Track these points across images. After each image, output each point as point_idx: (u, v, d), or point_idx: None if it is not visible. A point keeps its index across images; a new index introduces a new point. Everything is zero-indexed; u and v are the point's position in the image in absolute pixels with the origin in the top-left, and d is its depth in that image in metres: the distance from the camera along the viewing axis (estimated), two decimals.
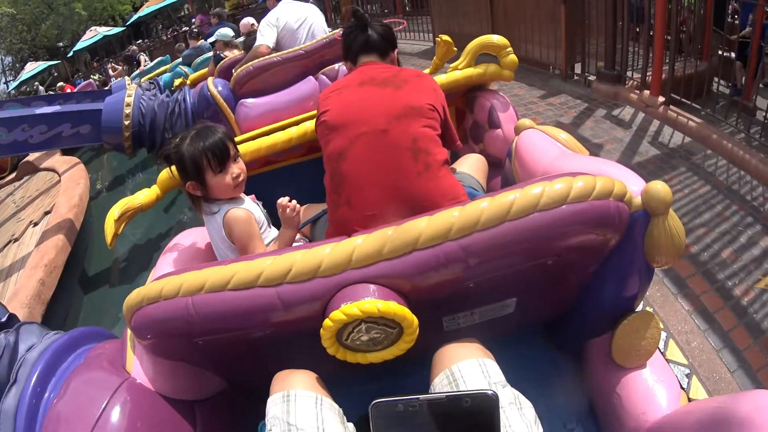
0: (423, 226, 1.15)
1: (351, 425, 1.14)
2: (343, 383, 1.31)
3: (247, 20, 5.93)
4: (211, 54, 6.38)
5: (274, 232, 1.89)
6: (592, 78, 5.73)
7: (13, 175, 9.45)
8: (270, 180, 2.30)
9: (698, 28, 5.28)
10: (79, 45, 21.00)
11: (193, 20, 14.78)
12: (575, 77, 6.05)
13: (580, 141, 1.75)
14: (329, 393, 1.17)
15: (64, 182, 6.92)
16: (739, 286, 2.79)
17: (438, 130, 1.70)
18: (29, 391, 1.22)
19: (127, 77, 7.86)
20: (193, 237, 1.99)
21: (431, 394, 0.80)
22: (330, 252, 1.17)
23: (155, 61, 11.30)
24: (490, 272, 1.20)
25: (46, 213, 5.93)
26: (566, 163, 1.49)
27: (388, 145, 1.61)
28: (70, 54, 23.61)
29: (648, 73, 5.03)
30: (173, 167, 1.73)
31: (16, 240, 5.63)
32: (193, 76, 6.49)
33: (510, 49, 2.27)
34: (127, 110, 4.24)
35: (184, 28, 17.42)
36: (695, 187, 3.70)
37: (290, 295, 1.16)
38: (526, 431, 0.97)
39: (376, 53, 1.92)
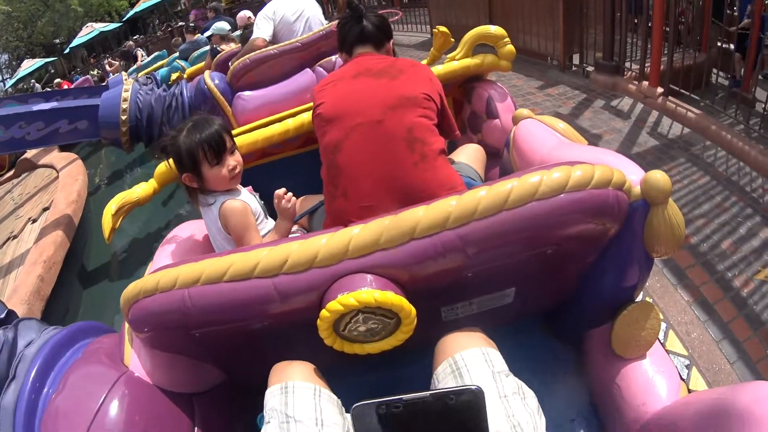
0: (420, 215, 1.15)
1: (349, 416, 1.13)
2: (342, 374, 1.31)
3: (244, 13, 5.92)
4: (207, 48, 6.38)
5: (270, 223, 1.89)
6: (590, 69, 5.72)
7: (12, 172, 9.45)
8: (267, 172, 2.29)
9: (697, 19, 5.25)
10: (76, 41, 20.91)
11: (189, 15, 14.71)
12: (573, 68, 6.04)
13: (579, 132, 1.74)
14: (328, 384, 1.16)
15: (62, 178, 6.91)
16: (739, 277, 2.79)
17: (434, 120, 1.69)
18: (28, 387, 1.21)
19: (124, 72, 7.85)
20: (190, 229, 1.99)
21: (414, 393, 0.77)
22: (326, 242, 1.16)
23: (152, 56, 11.28)
24: (489, 262, 1.19)
25: (45, 209, 5.93)
26: (565, 153, 1.48)
27: (383, 136, 1.60)
28: (67, 51, 23.52)
29: (646, 64, 5.01)
30: (170, 159, 1.72)
31: (14, 237, 5.63)
32: (190, 70, 6.49)
33: (507, 39, 2.26)
34: (124, 105, 4.23)
35: (179, 23, 17.33)
36: (694, 178, 3.69)
37: (287, 285, 1.15)
38: (529, 420, 0.96)
39: (371, 44, 1.91)
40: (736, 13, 5.51)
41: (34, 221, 5.76)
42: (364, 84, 1.72)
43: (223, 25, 6.18)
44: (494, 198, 1.13)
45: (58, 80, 16.61)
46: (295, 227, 1.97)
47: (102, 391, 1.18)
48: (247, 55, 3.48)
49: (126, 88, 4.31)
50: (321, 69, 3.40)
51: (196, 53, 7.08)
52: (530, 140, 1.72)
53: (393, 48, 2.02)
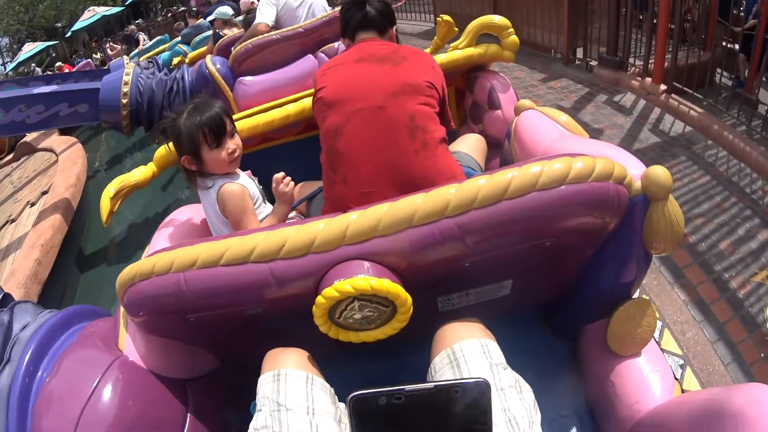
0: (419, 202, 1.14)
1: (343, 405, 1.13)
2: (337, 363, 1.30)
3: None
4: (210, 33, 6.35)
5: (268, 207, 1.89)
6: (593, 63, 5.70)
7: (11, 155, 9.42)
8: (267, 157, 2.28)
9: (703, 18, 5.23)
10: (78, 25, 20.80)
11: (191, 1, 14.67)
12: (577, 62, 6.02)
13: (581, 125, 1.73)
14: (321, 372, 1.16)
15: (62, 162, 6.88)
16: (736, 278, 2.78)
17: (436, 108, 1.69)
18: (22, 370, 1.22)
19: (125, 56, 7.82)
20: (188, 213, 1.98)
21: (417, 384, 0.73)
22: (324, 228, 1.15)
23: (154, 40, 11.23)
24: (487, 252, 1.18)
25: (44, 193, 5.90)
26: (566, 145, 1.47)
27: (384, 122, 1.60)
28: (68, 34, 23.41)
29: (650, 61, 4.99)
30: (170, 143, 1.72)
31: (13, 220, 5.61)
32: (191, 54, 6.45)
33: (511, 29, 2.24)
34: (125, 89, 4.22)
35: (181, 8, 17.27)
36: (695, 176, 3.68)
37: (283, 271, 1.15)
38: (525, 414, 0.96)
39: (374, 30, 1.90)
40: (742, 14, 5.49)
41: (33, 205, 5.74)
42: (366, 69, 1.71)
43: (226, 10, 6.15)
44: (494, 187, 1.12)
45: (59, 64, 16.52)
46: (293, 213, 1.96)
47: (95, 376, 1.18)
48: (250, 40, 3.48)
49: (127, 72, 4.30)
50: (323, 55, 3.40)
51: (198, 38, 7.04)
52: (532, 131, 1.71)
53: (396, 35, 2.01)
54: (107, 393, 1.15)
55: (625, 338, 1.36)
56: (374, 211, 1.16)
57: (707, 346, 2.42)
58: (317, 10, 3.94)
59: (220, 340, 1.44)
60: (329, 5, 4.15)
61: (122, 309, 1.37)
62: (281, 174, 1.74)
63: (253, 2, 5.56)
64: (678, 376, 1.35)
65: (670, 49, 4.79)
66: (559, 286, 1.52)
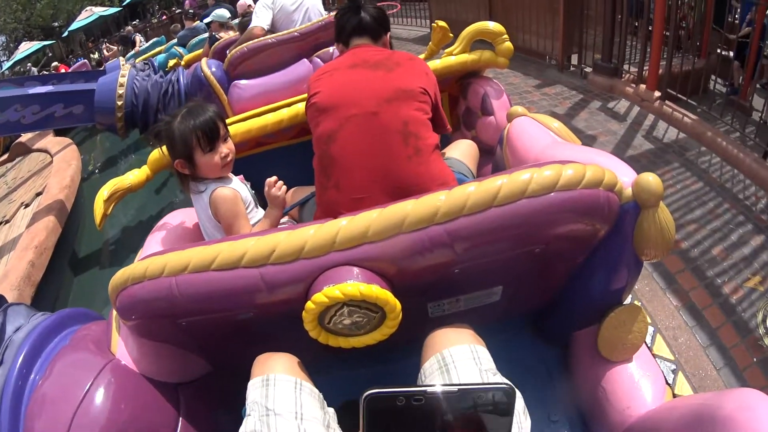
0: (408, 209, 1.14)
1: (331, 410, 1.13)
2: (328, 368, 1.30)
3: (244, 1, 5.89)
4: (206, 35, 6.34)
5: (260, 212, 1.89)
6: (588, 70, 5.72)
7: (6, 156, 9.41)
8: (260, 162, 2.28)
9: (698, 25, 5.25)
10: (75, 25, 20.75)
11: (185, 3, 14.67)
12: (571, 68, 6.04)
13: (574, 132, 1.73)
14: (310, 377, 1.16)
15: (56, 163, 6.87)
16: (728, 284, 2.80)
17: (429, 114, 1.69)
18: (15, 373, 1.21)
19: (121, 57, 7.80)
20: (181, 217, 1.98)
21: (441, 386, 0.68)
22: (314, 233, 1.16)
23: (150, 41, 11.21)
24: (476, 258, 1.19)
25: (38, 194, 5.89)
26: (557, 152, 1.48)
27: (378, 128, 1.60)
28: (65, 34, 23.35)
29: (645, 68, 5.01)
30: (164, 146, 1.72)
31: (7, 222, 5.60)
32: (187, 57, 6.44)
33: (506, 36, 2.25)
34: (120, 90, 4.22)
35: (177, 10, 17.27)
36: (688, 183, 3.70)
37: (273, 276, 1.15)
38: (514, 420, 0.96)
39: (368, 36, 1.91)
40: (737, 21, 5.52)
41: (27, 206, 5.73)
42: (360, 75, 1.71)
43: (223, 12, 6.15)
44: (483, 194, 1.12)
45: (55, 63, 16.50)
46: (285, 218, 1.96)
47: (88, 379, 1.18)
48: (245, 44, 3.48)
49: (123, 74, 4.31)
50: (318, 60, 3.40)
51: (194, 40, 7.03)
52: (523, 138, 1.71)
53: (390, 41, 2.02)
54: (99, 396, 1.15)
55: (616, 344, 1.36)
56: (364, 217, 1.16)
57: (699, 351, 2.43)
58: (313, 14, 3.95)
59: (211, 344, 1.44)
60: (325, 9, 4.16)
61: (115, 312, 1.37)
62: (274, 178, 1.74)
63: (249, 5, 5.58)
64: (670, 381, 1.36)
65: (665, 56, 4.82)
66: (550, 292, 1.52)
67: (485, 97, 2.24)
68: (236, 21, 5.59)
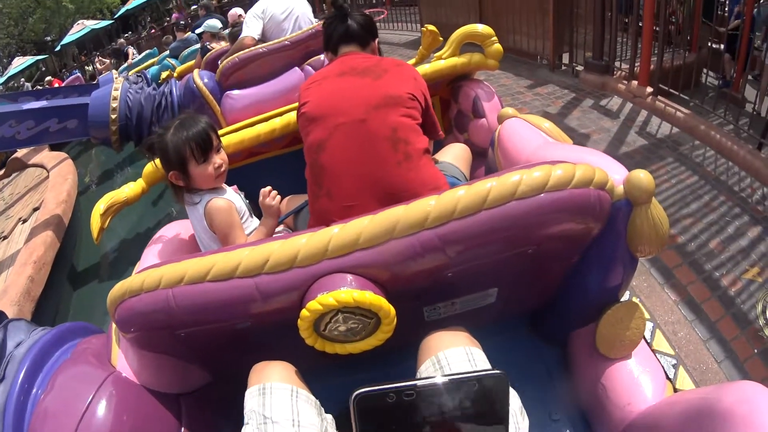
0: (399, 214, 1.15)
1: (329, 416, 1.14)
2: (326, 374, 1.31)
3: (235, 11, 5.90)
4: (198, 46, 6.35)
5: (255, 221, 1.90)
6: (579, 68, 5.73)
7: (2, 171, 9.40)
8: (254, 171, 2.29)
9: (687, 20, 5.28)
10: (67, 39, 20.69)
11: (171, 18, 14.69)
12: (563, 67, 6.06)
13: (567, 131, 1.74)
14: (307, 384, 1.17)
15: (53, 178, 6.88)
16: (727, 276, 2.81)
17: (418, 120, 1.69)
18: (17, 388, 1.22)
19: (114, 70, 7.81)
20: (177, 229, 1.98)
21: (430, 379, 0.67)
22: (306, 242, 1.16)
23: (143, 54, 11.23)
24: (469, 261, 1.19)
25: (35, 209, 5.90)
26: (549, 152, 1.48)
27: (366, 135, 1.60)
28: (58, 48, 23.34)
29: (636, 64, 5.03)
30: (157, 159, 1.73)
31: (5, 237, 5.61)
32: (180, 68, 6.47)
33: (495, 38, 2.26)
34: (114, 104, 4.22)
35: (168, 19, 17.31)
36: (683, 177, 3.70)
37: (268, 285, 1.16)
38: (511, 420, 0.96)
39: (356, 43, 1.91)
40: (726, 14, 5.54)
41: (25, 221, 5.73)
42: (348, 83, 1.72)
43: (214, 23, 6.16)
44: (473, 197, 1.13)
45: (48, 78, 16.53)
46: (280, 227, 1.97)
47: (89, 392, 1.18)
48: (236, 54, 3.49)
49: (116, 87, 4.30)
50: (309, 68, 3.42)
51: (186, 51, 7.05)
52: (514, 140, 1.72)
53: (378, 47, 2.02)
54: (101, 409, 1.16)
55: (614, 341, 1.37)
56: (356, 224, 1.17)
57: (699, 345, 2.43)
58: (303, 22, 3.96)
59: (210, 355, 1.44)
60: (315, 17, 4.17)
61: (114, 325, 1.38)
62: (268, 188, 1.76)
63: (240, 15, 5.58)
64: (671, 376, 1.36)
65: (656, 51, 4.83)
66: (546, 292, 1.53)
67: (476, 100, 2.25)
68: (227, 31, 5.60)
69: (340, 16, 1.91)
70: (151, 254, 1.77)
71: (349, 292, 1.09)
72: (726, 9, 5.58)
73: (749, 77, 4.82)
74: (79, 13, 26.69)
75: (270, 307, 1.18)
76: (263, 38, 3.87)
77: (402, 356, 1.30)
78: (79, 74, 14.95)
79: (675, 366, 1.41)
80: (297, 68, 3.49)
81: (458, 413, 0.68)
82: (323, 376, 1.29)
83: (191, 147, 1.65)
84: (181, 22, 9.12)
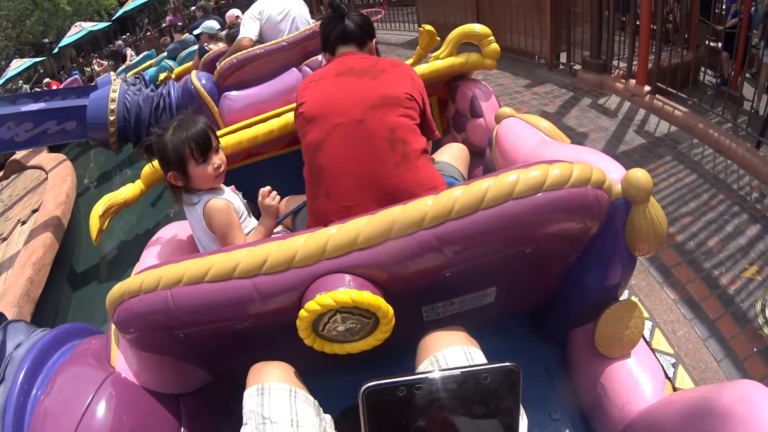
0: (396, 215, 1.15)
1: (328, 417, 1.14)
2: (325, 374, 1.31)
3: (232, 12, 5.90)
4: (196, 47, 6.35)
5: (254, 221, 1.89)
6: (577, 67, 5.74)
7: (1, 173, 9.40)
8: (253, 172, 2.28)
9: (685, 18, 5.28)
10: (65, 41, 20.68)
11: (166, 20, 14.69)
12: (561, 67, 6.06)
13: (565, 130, 1.74)
14: (306, 385, 1.17)
15: (51, 179, 6.87)
16: (726, 275, 2.81)
17: (416, 120, 1.69)
18: (17, 389, 1.22)
19: (112, 72, 7.80)
20: (176, 230, 1.98)
21: (441, 371, 0.64)
22: (304, 242, 1.17)
23: (141, 55, 11.22)
24: (466, 261, 1.20)
25: (34, 211, 5.89)
26: (546, 151, 1.48)
27: (364, 136, 1.60)
28: (56, 50, 23.33)
29: (634, 63, 5.04)
30: (155, 161, 1.72)
31: (4, 239, 5.60)
32: (178, 69, 6.46)
33: (492, 38, 2.26)
34: (112, 106, 4.23)
35: (163, 25, 17.31)
36: (681, 175, 3.70)
37: (266, 286, 1.16)
38: None
39: (353, 43, 1.91)
40: (724, 12, 5.54)
41: (24, 223, 5.73)
42: (345, 83, 1.72)
43: (212, 24, 6.16)
44: (470, 197, 1.13)
45: (47, 80, 16.49)
46: (279, 228, 1.97)
47: (89, 393, 1.19)
48: (234, 55, 3.49)
49: (114, 89, 4.31)
50: (307, 68, 3.41)
51: (184, 53, 7.05)
52: (512, 139, 1.72)
53: (376, 47, 2.02)
54: (101, 410, 1.16)
55: (613, 340, 1.37)
56: (353, 224, 1.17)
57: (699, 344, 2.43)
58: (300, 23, 3.95)
59: (210, 355, 1.45)
60: (313, 18, 4.17)
61: (113, 326, 1.38)
62: (267, 188, 1.76)
63: (238, 16, 5.58)
64: (670, 375, 1.36)
65: (654, 50, 4.83)
66: (544, 291, 1.53)
67: (474, 100, 2.24)
68: (225, 32, 5.60)
69: (338, 17, 1.91)
70: (150, 255, 1.78)
71: (347, 292, 1.09)
72: (723, 7, 5.58)
73: (747, 75, 4.83)
74: (76, 15, 26.66)
75: (268, 308, 1.18)
76: (261, 39, 3.87)
77: (401, 356, 1.30)
78: (77, 76, 14.90)
79: (674, 365, 1.41)
80: (295, 69, 3.49)
81: (469, 406, 0.66)
82: (322, 376, 1.29)
83: (190, 147, 1.64)
84: (179, 24, 9.12)
